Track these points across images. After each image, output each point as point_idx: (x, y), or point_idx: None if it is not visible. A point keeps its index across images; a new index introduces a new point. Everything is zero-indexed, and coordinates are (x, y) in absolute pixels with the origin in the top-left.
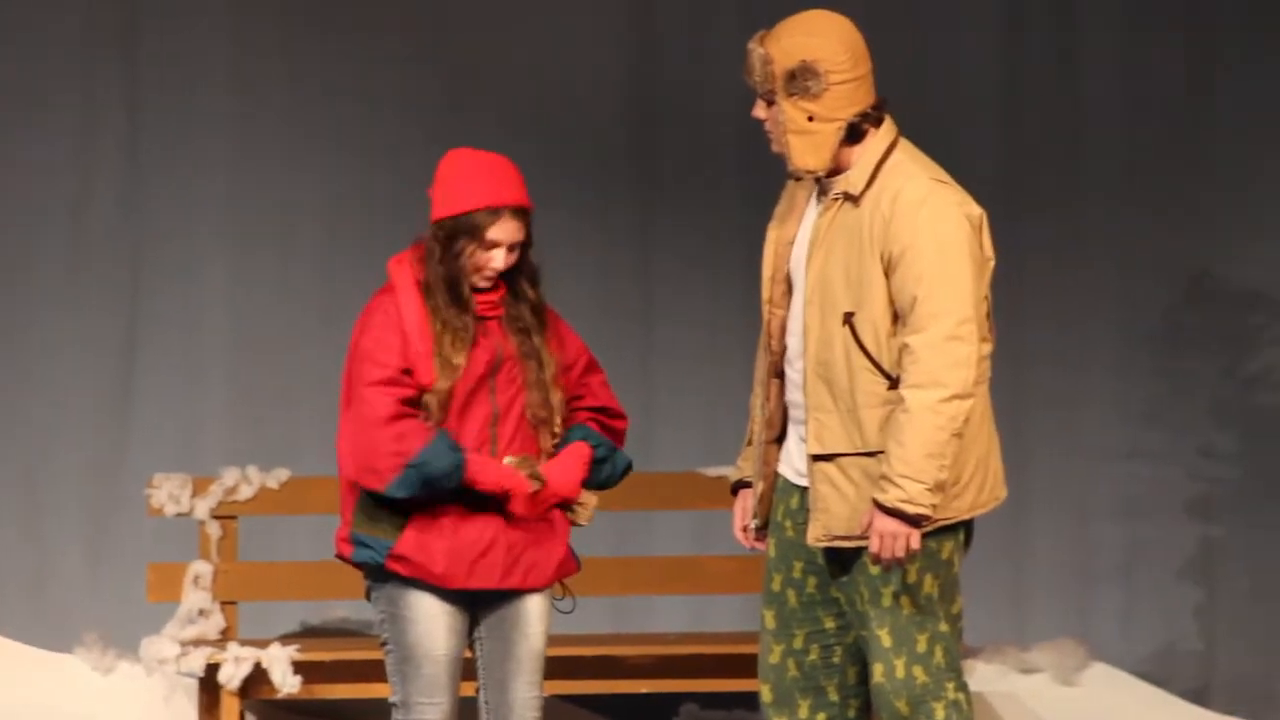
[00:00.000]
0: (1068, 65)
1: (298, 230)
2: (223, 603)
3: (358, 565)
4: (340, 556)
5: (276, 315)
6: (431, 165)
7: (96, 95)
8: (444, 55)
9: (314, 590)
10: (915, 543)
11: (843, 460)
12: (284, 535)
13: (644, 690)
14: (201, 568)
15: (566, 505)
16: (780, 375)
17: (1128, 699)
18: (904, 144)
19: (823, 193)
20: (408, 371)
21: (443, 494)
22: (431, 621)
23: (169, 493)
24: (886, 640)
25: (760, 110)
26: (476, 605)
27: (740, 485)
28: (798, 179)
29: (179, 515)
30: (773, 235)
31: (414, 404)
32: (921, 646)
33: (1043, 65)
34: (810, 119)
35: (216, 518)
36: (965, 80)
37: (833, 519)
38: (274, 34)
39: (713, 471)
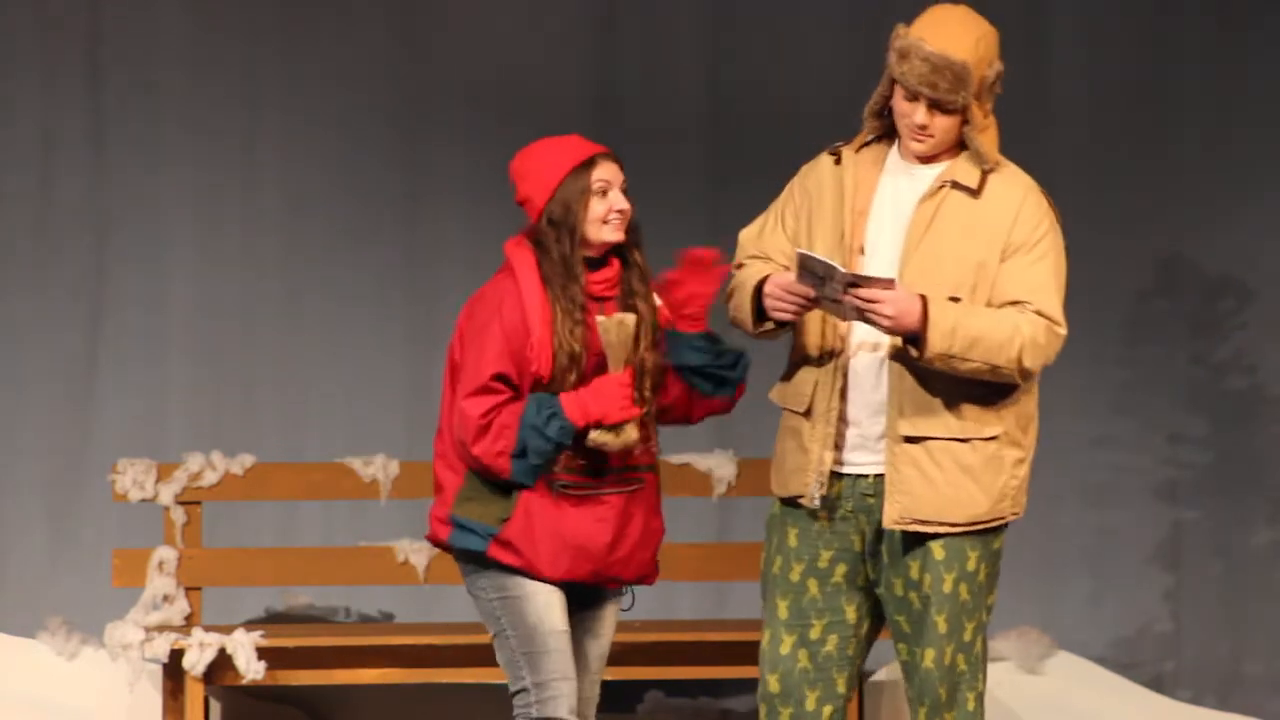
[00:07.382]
0: (1034, 54)
1: (262, 214)
2: (187, 588)
3: (455, 551)
4: (434, 540)
5: (241, 302)
6: (398, 144)
7: (59, 76)
8: (408, 29)
9: (279, 576)
10: (883, 321)
11: (932, 444)
12: (248, 521)
13: (608, 677)
14: (166, 553)
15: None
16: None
17: (1091, 687)
18: None
19: (901, 171)
20: (502, 377)
21: (571, 442)
22: (549, 594)
23: (133, 478)
24: (942, 626)
25: (925, 115)
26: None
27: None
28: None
29: (143, 501)
30: (831, 204)
31: (512, 399)
32: (968, 635)
33: (1009, 54)
34: (986, 115)
35: (181, 503)
36: None
37: (915, 501)
38: (236, 11)
39: (676, 459)
